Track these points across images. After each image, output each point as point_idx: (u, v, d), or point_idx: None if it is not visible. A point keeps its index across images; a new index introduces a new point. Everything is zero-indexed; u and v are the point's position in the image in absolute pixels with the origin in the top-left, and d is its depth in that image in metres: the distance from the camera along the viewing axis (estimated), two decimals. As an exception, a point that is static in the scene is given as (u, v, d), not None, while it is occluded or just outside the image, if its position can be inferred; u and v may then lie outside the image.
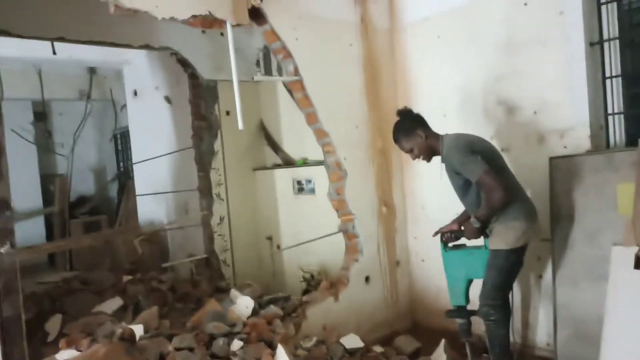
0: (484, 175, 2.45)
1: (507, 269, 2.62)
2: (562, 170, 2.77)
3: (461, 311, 2.81)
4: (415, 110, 2.88)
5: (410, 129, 2.78)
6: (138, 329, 2.74)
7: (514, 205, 2.55)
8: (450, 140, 2.69)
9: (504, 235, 2.57)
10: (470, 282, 2.82)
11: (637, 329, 2.16)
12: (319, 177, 4.01)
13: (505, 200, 2.47)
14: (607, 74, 2.85)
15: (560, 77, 2.89)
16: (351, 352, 2.92)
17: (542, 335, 3.06)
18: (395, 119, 2.87)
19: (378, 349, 3.14)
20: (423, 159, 2.80)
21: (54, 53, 4.50)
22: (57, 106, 7.58)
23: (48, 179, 7.14)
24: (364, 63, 3.61)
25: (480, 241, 2.69)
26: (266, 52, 4.50)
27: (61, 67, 6.60)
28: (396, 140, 2.85)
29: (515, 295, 3.16)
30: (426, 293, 3.74)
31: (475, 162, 2.48)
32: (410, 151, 2.81)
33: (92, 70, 6.95)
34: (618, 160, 2.56)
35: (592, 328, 2.50)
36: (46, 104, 7.27)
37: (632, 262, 2.27)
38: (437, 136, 2.76)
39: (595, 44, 2.84)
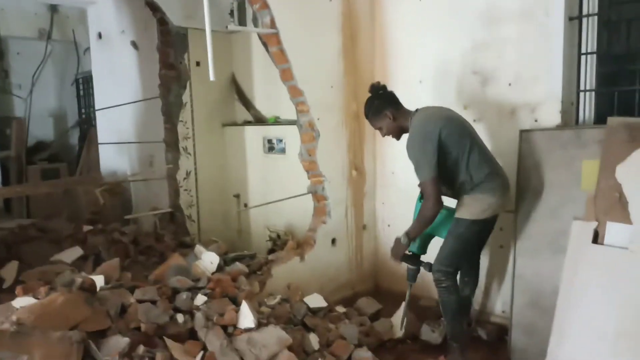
0: (429, 182, 2.51)
1: (466, 239, 2.66)
2: (531, 144, 2.81)
3: (415, 259, 2.88)
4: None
5: (379, 108, 2.76)
6: (99, 280, 2.69)
7: (487, 178, 2.58)
8: (415, 125, 2.65)
9: (470, 206, 2.61)
10: (431, 237, 2.89)
11: (591, 299, 2.26)
12: (291, 136, 3.95)
13: (435, 212, 2.54)
14: (583, 50, 2.87)
15: (537, 51, 2.89)
16: (314, 311, 2.96)
17: (498, 303, 3.19)
18: (369, 83, 2.83)
19: (340, 309, 3.20)
20: (392, 137, 2.82)
21: (13, -14, 4.19)
22: (14, 44, 7.13)
23: (4, 122, 6.80)
24: (343, 21, 3.51)
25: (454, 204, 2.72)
26: (241, 1, 4.32)
27: (20, 3, 6.20)
28: (366, 117, 2.86)
29: (476, 263, 3.27)
30: (389, 257, 3.80)
31: (426, 166, 2.51)
32: (379, 129, 2.83)
33: (53, 8, 6.56)
34: (586, 137, 2.60)
35: (547, 298, 2.59)
36: (2, 41, 6.85)
37: (590, 236, 2.35)
38: (407, 115, 2.72)
39: (574, 19, 2.84)
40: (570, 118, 2.90)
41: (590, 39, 2.86)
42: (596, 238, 2.34)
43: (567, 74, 2.86)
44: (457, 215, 2.66)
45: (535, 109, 2.93)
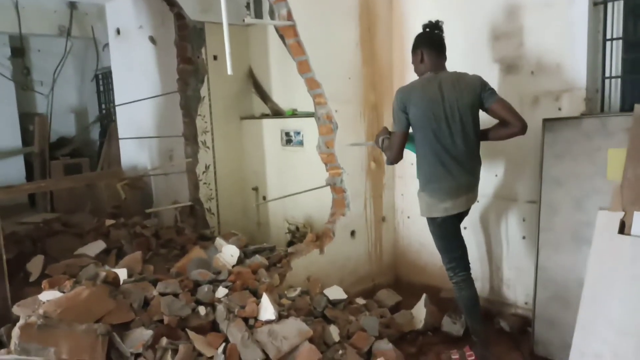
0: (395, 134, 2.64)
1: (441, 235, 2.67)
2: (555, 133, 2.74)
3: None
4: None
5: (416, 44, 2.71)
6: (122, 273, 2.73)
7: (434, 178, 2.58)
8: (412, 83, 2.66)
9: (423, 204, 2.67)
10: None
11: (616, 292, 2.21)
12: (308, 129, 3.94)
13: (392, 162, 2.74)
14: (608, 36, 2.79)
15: (561, 38, 2.82)
16: (334, 304, 2.96)
17: (521, 294, 3.14)
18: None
19: (360, 301, 3.20)
20: None
21: (32, -17, 4.24)
22: (35, 42, 7.26)
23: (27, 118, 6.93)
24: (361, 12, 3.47)
25: None
26: (258, -7, 4.32)
27: (39, 1, 6.27)
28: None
29: (497, 255, 3.23)
30: (409, 249, 3.79)
31: (397, 122, 2.62)
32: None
33: (72, 5, 6.62)
34: (612, 125, 2.53)
35: (571, 290, 2.55)
36: (24, 39, 6.96)
37: (617, 226, 2.29)
38: (436, 67, 2.64)
39: (599, 4, 2.76)
40: (595, 106, 2.82)
41: (615, 25, 2.77)
42: (622, 228, 2.28)
43: (592, 61, 2.78)
44: (420, 212, 2.71)
45: (559, 97, 2.86)
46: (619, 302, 2.19)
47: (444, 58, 2.71)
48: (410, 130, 2.65)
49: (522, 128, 2.50)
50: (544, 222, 2.77)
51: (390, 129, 2.80)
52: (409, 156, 3.69)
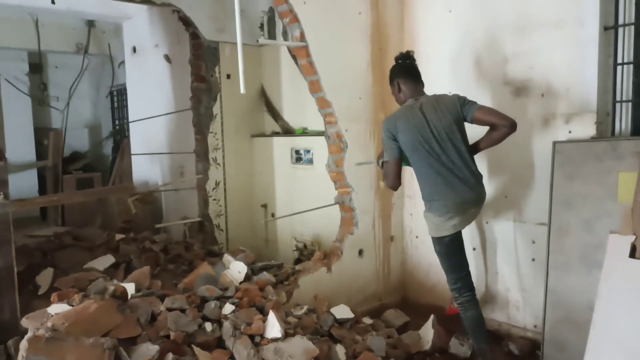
0: (389, 163, 2.69)
1: (446, 253, 2.67)
2: (565, 155, 2.74)
3: None
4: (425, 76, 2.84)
5: (392, 76, 2.82)
6: (130, 288, 2.74)
7: (436, 197, 2.59)
8: (396, 113, 2.72)
9: (430, 223, 2.67)
10: None
11: (627, 316, 2.18)
12: (318, 147, 3.97)
13: (391, 189, 2.81)
14: (619, 60, 2.80)
15: (571, 61, 2.83)
16: (341, 322, 2.94)
17: (530, 317, 3.10)
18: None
19: (367, 320, 3.17)
20: None
21: (53, 2, 4.37)
22: (53, 58, 7.44)
23: (42, 133, 7.06)
24: (372, 33, 3.52)
25: None
26: (271, 15, 4.40)
27: (59, 18, 6.45)
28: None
29: (507, 277, 3.21)
30: (417, 269, 3.77)
31: (388, 150, 2.68)
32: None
33: (90, 24, 6.80)
34: (622, 149, 2.53)
35: (581, 313, 2.52)
36: (42, 55, 7.14)
37: (627, 250, 2.27)
38: (415, 94, 2.73)
39: (610, 29, 2.78)
40: (605, 129, 2.82)
41: (626, 49, 2.79)
42: (634, 252, 2.27)
43: (602, 85, 2.79)
44: (429, 232, 2.72)
45: (569, 120, 2.87)
46: (630, 325, 2.16)
47: (421, 84, 2.81)
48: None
49: (512, 125, 2.52)
50: (553, 244, 2.75)
51: None
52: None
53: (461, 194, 2.58)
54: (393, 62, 2.85)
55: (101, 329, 2.25)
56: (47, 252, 3.81)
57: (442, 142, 2.58)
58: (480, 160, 3.19)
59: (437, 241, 2.66)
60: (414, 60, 2.83)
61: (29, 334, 2.12)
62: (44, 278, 3.36)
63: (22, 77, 7.00)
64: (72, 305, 2.46)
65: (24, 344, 2.08)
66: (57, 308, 2.45)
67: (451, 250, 2.65)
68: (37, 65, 7.15)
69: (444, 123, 2.59)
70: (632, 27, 2.75)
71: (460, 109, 2.61)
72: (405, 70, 2.79)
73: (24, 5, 4.76)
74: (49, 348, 2.08)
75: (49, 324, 2.20)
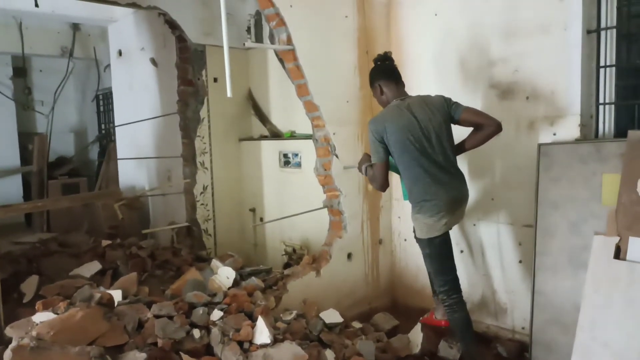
0: (377, 166, 2.69)
1: (435, 255, 2.67)
2: (550, 158, 2.77)
3: None
4: (408, 91, 2.83)
5: (372, 79, 2.83)
6: (116, 295, 2.71)
7: (427, 197, 2.59)
8: (382, 114, 2.71)
9: (419, 224, 2.66)
10: None
11: (613, 317, 2.20)
12: (306, 151, 3.97)
13: (379, 190, 2.84)
14: (602, 63, 2.84)
15: (555, 64, 2.86)
16: (330, 327, 2.93)
17: (518, 319, 3.12)
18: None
19: (357, 324, 3.17)
20: None
21: (36, 5, 4.31)
22: (37, 62, 7.34)
23: (26, 137, 6.96)
24: (359, 37, 3.53)
25: None
26: (258, 18, 4.38)
27: (43, 21, 6.37)
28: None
29: (494, 279, 3.23)
30: (406, 272, 3.78)
31: (375, 153, 2.68)
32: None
33: (75, 27, 6.73)
34: (606, 151, 2.56)
35: (568, 315, 2.54)
36: (26, 59, 7.05)
37: (612, 251, 2.30)
38: (398, 95, 2.74)
39: (592, 32, 2.82)
40: (589, 132, 2.86)
41: (609, 52, 2.83)
42: (618, 254, 2.29)
43: (586, 88, 2.82)
44: (416, 234, 2.72)
45: (553, 123, 2.90)
46: (616, 326, 2.19)
47: (402, 84, 2.83)
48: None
49: (498, 126, 2.58)
50: (540, 246, 2.77)
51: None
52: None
53: (451, 192, 2.61)
54: (380, 66, 2.86)
55: (87, 337, 2.22)
56: (32, 259, 3.76)
57: (432, 142, 2.59)
58: (467, 163, 3.22)
59: (428, 243, 2.64)
60: (392, 60, 2.84)
61: (13, 344, 2.09)
62: (29, 286, 3.31)
63: (6, 81, 6.89)
64: (58, 314, 2.42)
65: (8, 354, 2.04)
66: (42, 316, 2.42)
67: (443, 251, 2.65)
68: (21, 69, 7.05)
69: (434, 123, 2.61)
70: (614, 30, 2.80)
71: (448, 109, 2.64)
72: (386, 71, 2.80)
73: (7, 8, 4.70)
74: (33, 357, 2.05)
75: (34, 333, 2.17)
